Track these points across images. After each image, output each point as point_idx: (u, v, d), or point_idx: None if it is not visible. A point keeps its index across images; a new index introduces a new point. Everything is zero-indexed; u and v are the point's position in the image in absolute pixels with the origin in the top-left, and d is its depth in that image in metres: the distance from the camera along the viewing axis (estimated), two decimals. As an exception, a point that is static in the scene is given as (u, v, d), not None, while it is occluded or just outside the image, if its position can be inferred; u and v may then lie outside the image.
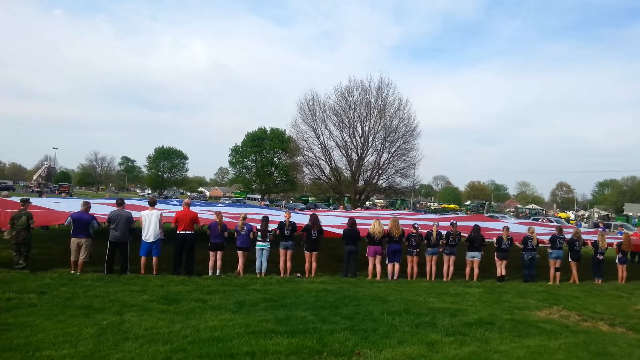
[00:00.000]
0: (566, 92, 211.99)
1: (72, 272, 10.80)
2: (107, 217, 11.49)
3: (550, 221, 38.16)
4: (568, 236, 14.47)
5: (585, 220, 72.50)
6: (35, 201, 15.25)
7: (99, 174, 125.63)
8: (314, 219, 12.79)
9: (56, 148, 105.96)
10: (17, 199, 14.37)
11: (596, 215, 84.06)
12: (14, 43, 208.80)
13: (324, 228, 12.93)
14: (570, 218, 73.00)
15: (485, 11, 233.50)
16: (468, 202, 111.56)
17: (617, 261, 14.60)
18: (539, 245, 13.78)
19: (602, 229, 19.43)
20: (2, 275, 10.03)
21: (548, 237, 14.32)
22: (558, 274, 13.63)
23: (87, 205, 11.54)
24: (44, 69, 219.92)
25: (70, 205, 14.75)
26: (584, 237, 15.05)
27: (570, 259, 13.99)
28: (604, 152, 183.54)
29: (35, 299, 8.19)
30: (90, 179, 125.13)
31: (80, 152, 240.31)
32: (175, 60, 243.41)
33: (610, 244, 14.84)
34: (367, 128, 42.03)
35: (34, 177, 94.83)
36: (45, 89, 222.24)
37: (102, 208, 13.74)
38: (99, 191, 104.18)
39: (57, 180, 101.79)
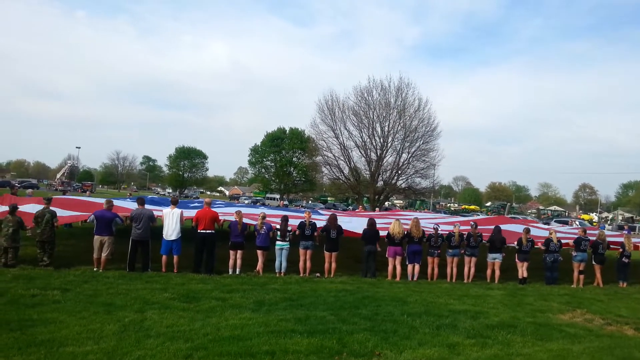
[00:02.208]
0: (588, 92, 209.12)
1: (94, 269, 10.96)
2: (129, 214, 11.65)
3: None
4: (592, 237, 14.23)
5: (608, 222, 71.27)
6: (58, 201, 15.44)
7: (121, 173, 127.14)
8: (333, 219, 12.78)
9: (79, 147, 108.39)
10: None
11: (620, 218, 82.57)
12: (39, 44, 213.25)
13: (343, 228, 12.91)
14: (594, 220, 71.78)
15: (506, 11, 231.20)
16: (489, 203, 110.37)
17: (642, 264, 14.32)
18: (563, 247, 13.56)
19: (627, 232, 19.06)
20: (27, 272, 10.22)
21: (570, 240, 14.09)
22: (582, 276, 13.40)
23: (110, 204, 11.71)
24: (66, 69, 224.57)
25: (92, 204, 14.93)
26: (608, 239, 14.77)
27: (594, 262, 13.75)
28: (628, 153, 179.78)
29: (59, 296, 8.32)
30: (112, 177, 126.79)
31: (103, 152, 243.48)
32: (195, 61, 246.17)
33: (636, 247, 14.55)
34: (386, 128, 41.83)
35: (58, 176, 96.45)
36: (69, 89, 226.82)
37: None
38: (120, 190, 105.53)
39: (80, 179, 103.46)
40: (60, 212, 12.04)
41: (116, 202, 13.49)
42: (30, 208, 12.61)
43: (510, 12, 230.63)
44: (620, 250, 14.11)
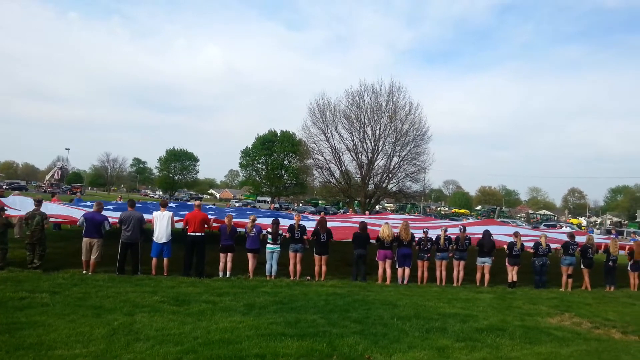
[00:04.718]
0: (579, 98, 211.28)
1: (84, 272, 10.89)
2: (118, 218, 11.60)
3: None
4: (581, 240, 14.35)
5: (597, 226, 71.91)
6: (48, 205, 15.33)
7: (111, 175, 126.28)
8: (322, 223, 12.79)
9: (69, 149, 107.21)
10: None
11: (608, 222, 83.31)
12: (29, 44, 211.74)
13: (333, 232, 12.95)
14: (582, 224, 72.36)
15: (498, 16, 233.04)
16: (479, 207, 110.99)
17: (628, 268, 14.44)
18: (552, 250, 13.67)
19: (614, 236, 19.23)
20: (15, 275, 10.14)
21: (559, 244, 14.21)
22: (570, 280, 13.51)
23: (99, 206, 11.65)
24: (57, 70, 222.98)
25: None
26: (597, 242, 14.91)
27: (582, 266, 13.87)
28: (616, 158, 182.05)
29: (47, 299, 8.26)
30: (102, 180, 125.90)
31: (93, 153, 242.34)
32: (188, 63, 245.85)
33: (622, 248, 14.68)
34: (377, 132, 41.89)
35: (47, 178, 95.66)
36: (59, 90, 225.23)
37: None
38: (110, 192, 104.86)
39: (69, 181, 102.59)
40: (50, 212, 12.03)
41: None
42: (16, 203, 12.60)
43: (502, 18, 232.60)
44: (605, 253, 14.27)
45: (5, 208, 11.63)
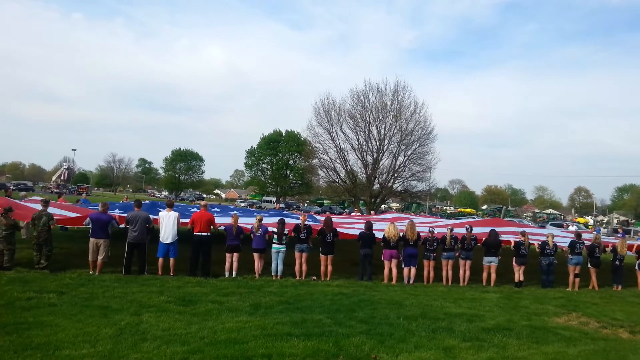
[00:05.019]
0: (584, 97, 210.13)
1: (90, 272, 10.93)
2: (125, 218, 11.65)
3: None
4: (587, 241, 14.27)
5: (604, 225, 71.53)
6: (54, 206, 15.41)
7: (117, 175, 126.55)
8: (329, 222, 12.79)
9: (75, 150, 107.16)
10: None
11: (615, 221, 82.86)
12: (34, 46, 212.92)
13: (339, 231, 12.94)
14: (589, 223, 71.99)
15: (501, 15, 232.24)
16: (485, 207, 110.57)
17: (636, 267, 14.36)
18: (558, 250, 13.61)
19: (621, 235, 19.12)
20: (22, 275, 10.20)
21: (566, 243, 14.14)
22: (577, 280, 13.44)
23: (105, 206, 11.69)
24: (63, 71, 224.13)
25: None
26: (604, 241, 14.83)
27: (589, 265, 13.81)
28: (623, 157, 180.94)
29: (54, 299, 8.31)
30: (108, 180, 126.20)
31: (99, 154, 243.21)
32: (192, 64, 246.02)
33: (630, 247, 14.59)
34: (382, 131, 41.84)
35: (53, 179, 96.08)
36: (65, 92, 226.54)
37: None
38: (116, 192, 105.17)
39: (76, 182, 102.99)
40: (57, 213, 12.09)
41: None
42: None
43: (505, 17, 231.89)
44: (612, 253, 14.20)
45: (13, 209, 11.68)
